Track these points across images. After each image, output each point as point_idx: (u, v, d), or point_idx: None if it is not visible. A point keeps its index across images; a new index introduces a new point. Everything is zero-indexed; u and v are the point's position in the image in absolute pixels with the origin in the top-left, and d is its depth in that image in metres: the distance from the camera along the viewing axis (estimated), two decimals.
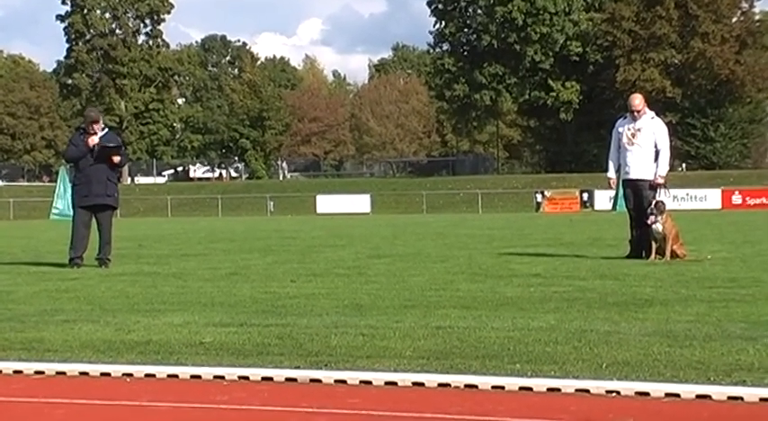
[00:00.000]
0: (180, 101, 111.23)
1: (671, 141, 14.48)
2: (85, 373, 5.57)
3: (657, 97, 67.50)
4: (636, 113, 13.79)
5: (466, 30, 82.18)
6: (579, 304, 8.16)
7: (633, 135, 13.74)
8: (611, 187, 14.81)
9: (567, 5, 77.53)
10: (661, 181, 13.71)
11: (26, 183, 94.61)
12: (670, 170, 14.52)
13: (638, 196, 13.73)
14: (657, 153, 13.70)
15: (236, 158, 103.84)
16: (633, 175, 13.78)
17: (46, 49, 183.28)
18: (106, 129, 14.33)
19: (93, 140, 13.90)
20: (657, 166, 13.69)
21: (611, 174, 14.22)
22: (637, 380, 4.97)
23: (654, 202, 13.34)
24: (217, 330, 6.98)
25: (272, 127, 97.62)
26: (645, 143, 13.70)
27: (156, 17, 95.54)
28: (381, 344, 6.20)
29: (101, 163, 13.88)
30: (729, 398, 4.63)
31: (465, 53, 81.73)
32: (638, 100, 13.95)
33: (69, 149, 14.31)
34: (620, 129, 13.94)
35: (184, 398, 4.94)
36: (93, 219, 14.03)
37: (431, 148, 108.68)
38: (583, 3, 78.93)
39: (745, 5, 77.10)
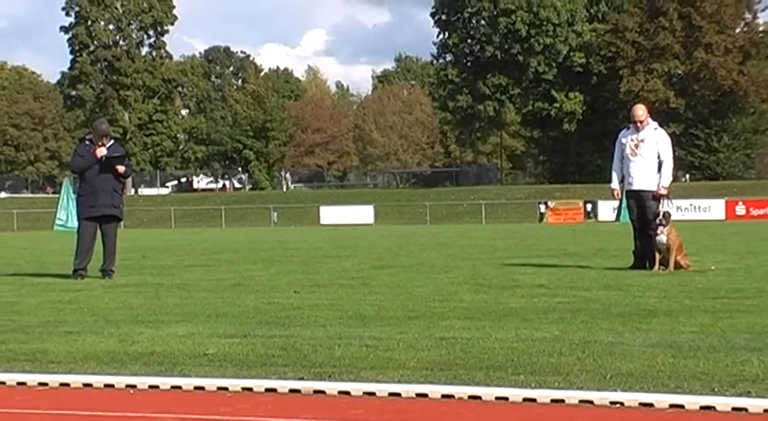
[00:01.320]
0: (183, 112, 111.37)
1: (674, 152, 14.48)
2: (89, 385, 5.57)
3: (661, 108, 67.49)
4: (639, 124, 13.79)
5: (469, 41, 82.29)
6: (583, 315, 8.15)
7: (636, 146, 13.74)
8: (614, 198, 14.84)
9: (571, 16, 77.65)
10: (664, 192, 13.70)
11: (30, 195, 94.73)
12: (673, 181, 14.51)
13: (641, 207, 13.72)
14: (660, 164, 13.71)
15: (240, 169, 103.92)
16: (636, 186, 13.78)
17: (50, 61, 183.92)
18: (112, 141, 14.36)
19: (102, 152, 13.92)
20: (660, 177, 13.69)
21: (615, 184, 14.23)
22: (641, 391, 4.96)
23: (662, 213, 13.33)
24: (220, 341, 6.98)
25: (275, 138, 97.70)
26: (648, 154, 13.70)
27: (159, 28, 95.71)
28: (385, 356, 6.20)
29: (105, 172, 13.91)
30: (734, 409, 4.62)
31: (468, 64, 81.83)
32: (640, 111, 13.95)
33: (76, 160, 14.30)
34: (624, 140, 13.94)
35: (188, 409, 4.94)
36: (98, 230, 14.04)
37: (434, 159, 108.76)
38: (586, 14, 79.08)
39: (748, 16, 77.26)
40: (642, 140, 13.73)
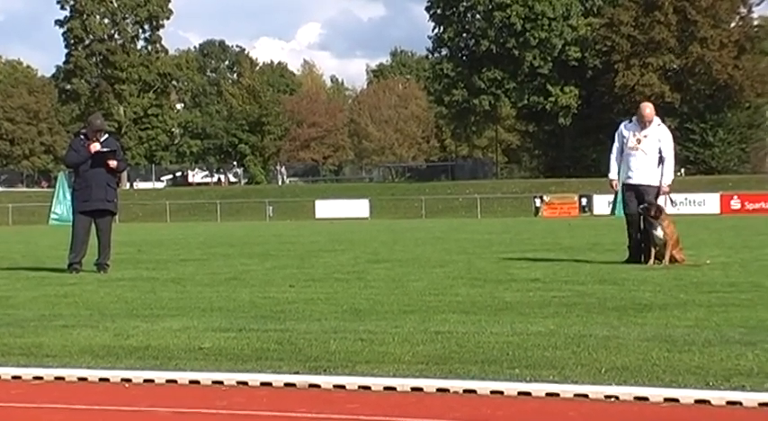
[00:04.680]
0: (179, 106, 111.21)
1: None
2: (84, 379, 5.57)
3: (656, 102, 66.41)
4: (647, 123, 13.76)
5: (465, 35, 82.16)
6: (578, 309, 8.16)
7: (639, 140, 13.73)
8: (612, 189, 14.82)
9: (566, 11, 77.55)
10: (668, 190, 13.74)
11: (25, 189, 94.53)
12: None
13: (639, 201, 13.71)
14: (661, 159, 13.71)
15: (235, 163, 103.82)
16: (635, 180, 13.78)
17: (45, 55, 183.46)
18: (106, 135, 14.36)
19: (96, 147, 13.91)
20: (664, 175, 13.69)
21: (614, 175, 14.20)
22: (635, 385, 4.97)
23: (656, 206, 13.33)
24: (216, 335, 6.98)
25: (270, 132, 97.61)
26: (649, 149, 13.70)
27: (155, 23, 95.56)
28: (380, 350, 6.20)
29: (98, 167, 13.91)
30: (728, 402, 4.63)
31: (464, 58, 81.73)
32: (649, 110, 13.90)
33: (70, 154, 14.31)
34: (626, 134, 13.90)
35: (183, 403, 4.94)
36: (93, 225, 14.04)
37: (430, 153, 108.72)
38: (581, 8, 78.96)
39: (743, 11, 77.20)
40: (645, 136, 13.72)
